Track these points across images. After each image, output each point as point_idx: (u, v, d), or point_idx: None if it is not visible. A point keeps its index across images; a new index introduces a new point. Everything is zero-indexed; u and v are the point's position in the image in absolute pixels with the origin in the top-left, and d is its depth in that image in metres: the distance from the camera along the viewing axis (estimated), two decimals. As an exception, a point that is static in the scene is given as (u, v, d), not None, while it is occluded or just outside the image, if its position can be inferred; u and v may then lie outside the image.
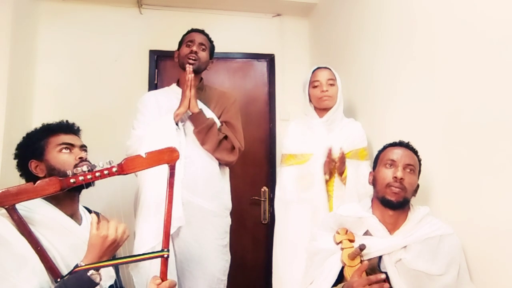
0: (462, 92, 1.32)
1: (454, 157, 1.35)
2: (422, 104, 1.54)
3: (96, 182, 1.11)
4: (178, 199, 1.60)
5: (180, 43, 1.87)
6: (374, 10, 1.95)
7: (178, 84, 1.88)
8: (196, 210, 1.67)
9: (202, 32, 1.87)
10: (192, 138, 1.73)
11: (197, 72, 1.79)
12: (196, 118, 1.71)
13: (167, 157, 1.04)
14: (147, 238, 1.55)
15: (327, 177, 1.74)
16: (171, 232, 1.57)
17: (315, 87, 1.85)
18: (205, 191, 1.71)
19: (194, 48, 1.77)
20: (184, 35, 1.87)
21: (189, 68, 1.71)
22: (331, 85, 1.84)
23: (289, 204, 1.79)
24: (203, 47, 1.81)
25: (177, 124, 1.70)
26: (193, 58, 1.76)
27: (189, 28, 1.90)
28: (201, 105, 1.77)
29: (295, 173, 1.81)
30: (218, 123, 1.79)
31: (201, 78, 1.89)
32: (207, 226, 1.70)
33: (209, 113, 1.78)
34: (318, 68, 1.90)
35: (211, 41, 1.89)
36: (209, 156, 1.75)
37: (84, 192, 1.15)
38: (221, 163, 1.80)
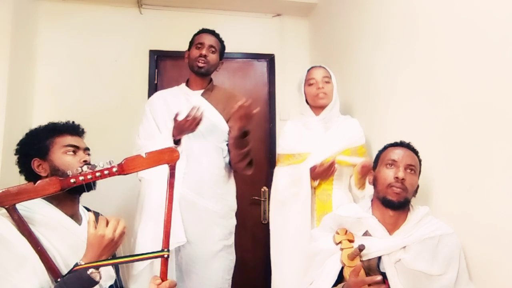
0: (462, 92, 1.32)
1: (453, 157, 1.35)
2: (421, 104, 1.54)
3: (97, 184, 1.12)
4: (178, 217, 1.59)
5: (190, 44, 1.85)
6: (374, 10, 1.95)
7: (187, 84, 1.88)
8: (201, 211, 1.68)
9: (212, 33, 1.85)
10: (200, 140, 1.72)
11: (206, 75, 1.80)
12: (241, 142, 1.72)
13: (167, 157, 1.04)
14: (148, 242, 1.55)
15: (316, 184, 1.73)
16: (172, 248, 1.56)
17: (310, 85, 1.85)
18: (211, 193, 1.71)
19: (204, 52, 1.77)
20: (195, 35, 1.86)
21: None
22: (327, 82, 1.84)
23: (285, 203, 1.79)
24: (213, 49, 1.81)
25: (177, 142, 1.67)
26: (202, 61, 1.76)
27: (189, 28, 1.89)
28: (209, 106, 1.77)
29: (293, 172, 1.80)
30: (226, 127, 1.78)
31: (211, 79, 1.88)
32: (212, 227, 1.71)
33: (216, 116, 1.78)
34: (313, 67, 1.91)
35: (221, 42, 1.87)
36: (215, 159, 1.75)
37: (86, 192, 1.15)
38: (237, 172, 1.83)
